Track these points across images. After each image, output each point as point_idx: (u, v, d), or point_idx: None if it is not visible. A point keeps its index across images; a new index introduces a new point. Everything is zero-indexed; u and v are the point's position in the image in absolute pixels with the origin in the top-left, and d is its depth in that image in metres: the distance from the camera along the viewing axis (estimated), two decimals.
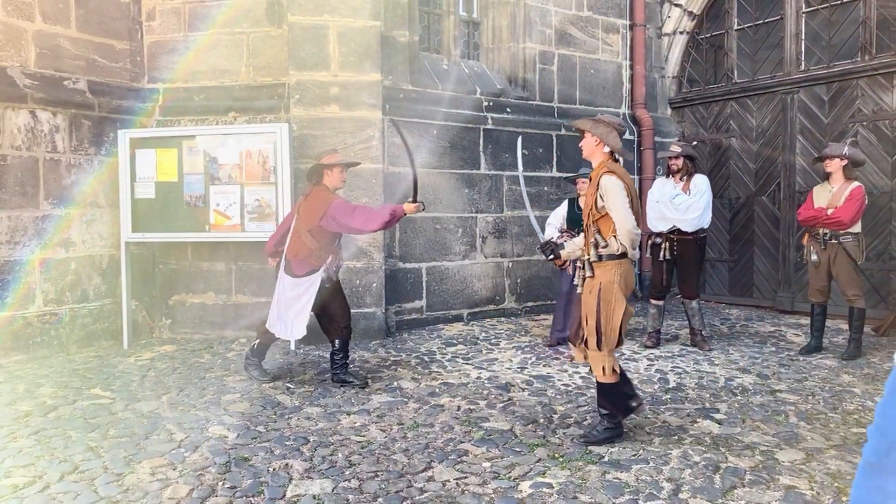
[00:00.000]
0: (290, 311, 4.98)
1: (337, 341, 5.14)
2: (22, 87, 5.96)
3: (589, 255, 3.84)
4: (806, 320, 6.92)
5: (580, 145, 4.04)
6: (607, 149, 3.88)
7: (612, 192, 3.72)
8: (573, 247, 4.10)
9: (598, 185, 3.79)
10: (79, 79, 6.43)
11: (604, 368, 3.80)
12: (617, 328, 3.76)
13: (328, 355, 5.28)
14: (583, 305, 3.88)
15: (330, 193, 4.96)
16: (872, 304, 6.88)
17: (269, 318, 5.13)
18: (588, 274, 3.84)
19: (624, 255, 3.78)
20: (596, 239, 3.81)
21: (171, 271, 6.96)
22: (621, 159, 4.01)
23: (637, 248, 3.88)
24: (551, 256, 4.15)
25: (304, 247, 4.94)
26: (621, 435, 3.96)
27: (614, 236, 3.74)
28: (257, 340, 5.27)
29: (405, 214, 4.76)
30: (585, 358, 3.96)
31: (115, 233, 6.61)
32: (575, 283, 4.04)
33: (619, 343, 3.82)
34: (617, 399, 3.92)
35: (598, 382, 3.93)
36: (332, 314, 5.12)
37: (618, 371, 3.88)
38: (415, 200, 4.76)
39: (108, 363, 5.85)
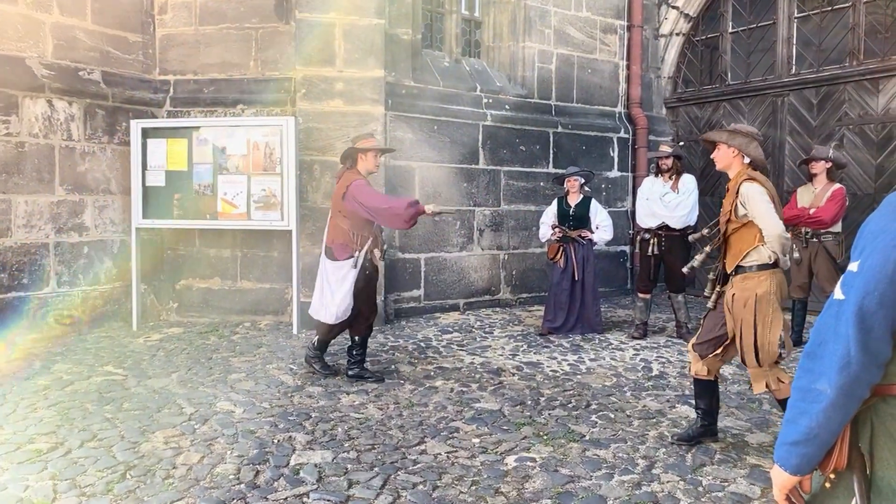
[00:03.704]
0: (336, 295, 4.85)
1: (357, 337, 5.11)
2: (40, 77, 6.21)
3: (729, 268, 3.67)
4: (788, 315, 7.19)
5: (713, 157, 3.82)
6: (747, 159, 3.69)
7: (756, 199, 3.54)
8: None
9: (737, 192, 3.61)
10: (93, 70, 6.68)
11: (768, 384, 3.61)
12: (776, 342, 3.55)
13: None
14: (734, 320, 3.62)
15: (356, 174, 4.88)
16: None
17: (312, 305, 5.05)
18: (722, 288, 3.66)
19: (776, 263, 3.58)
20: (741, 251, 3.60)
21: (179, 257, 7.23)
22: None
23: (787, 255, 3.62)
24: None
25: (340, 230, 4.88)
26: None
27: (761, 245, 3.55)
28: (317, 336, 5.20)
29: (423, 213, 4.73)
30: (711, 373, 3.85)
31: (126, 219, 6.88)
32: (709, 303, 3.80)
33: (780, 357, 3.62)
34: None
35: (777, 400, 3.74)
36: (359, 308, 5.00)
37: (785, 381, 3.61)
38: (437, 213, 4.91)
39: (119, 343, 6.13)
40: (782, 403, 3.73)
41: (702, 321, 3.89)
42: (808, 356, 1.51)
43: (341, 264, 4.86)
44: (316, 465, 3.54)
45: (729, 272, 3.69)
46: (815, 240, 6.17)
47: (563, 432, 4.08)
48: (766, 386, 3.63)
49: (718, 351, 3.78)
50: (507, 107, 8.33)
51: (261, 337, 6.42)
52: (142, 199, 6.73)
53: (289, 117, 6.65)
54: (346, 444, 3.83)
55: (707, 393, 3.93)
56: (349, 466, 3.54)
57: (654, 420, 4.34)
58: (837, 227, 6.17)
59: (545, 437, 4.00)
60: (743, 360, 3.67)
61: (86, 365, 5.37)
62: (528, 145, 8.47)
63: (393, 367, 5.48)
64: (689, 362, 3.96)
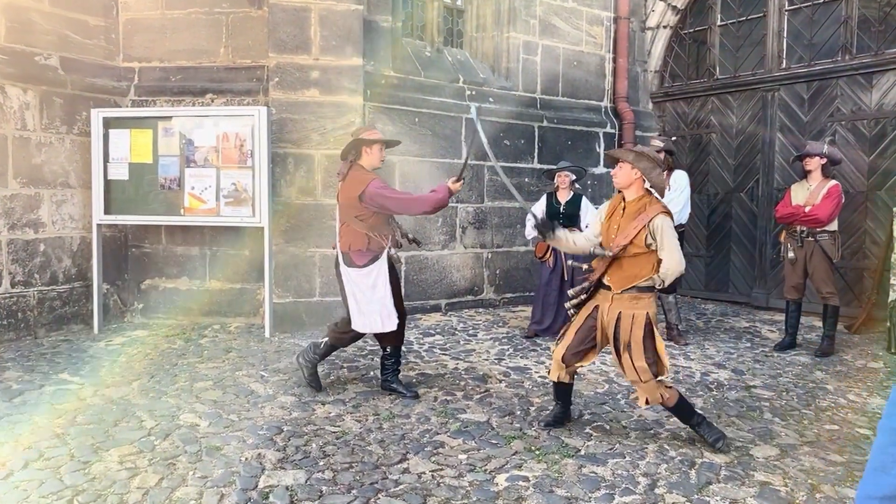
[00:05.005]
0: (372, 303, 4.42)
1: (388, 347, 4.69)
2: None
3: (616, 288, 3.73)
4: (781, 317, 6.98)
5: (613, 173, 3.85)
6: (648, 184, 3.75)
7: (668, 235, 3.64)
8: (567, 239, 4.00)
9: (650, 222, 3.64)
10: (51, 55, 6.24)
11: (662, 396, 3.72)
12: (665, 355, 3.73)
13: (304, 344, 5.18)
14: (621, 337, 3.71)
15: (366, 173, 4.45)
16: (846, 302, 6.95)
17: (352, 319, 4.49)
18: (594, 301, 3.80)
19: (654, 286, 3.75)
20: (648, 275, 3.71)
21: (144, 255, 6.82)
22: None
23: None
24: (539, 237, 4.16)
25: (357, 234, 4.42)
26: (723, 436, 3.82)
27: (655, 273, 3.68)
28: (325, 339, 4.72)
29: (451, 194, 4.34)
30: (570, 377, 4.03)
31: (86, 214, 6.45)
32: (568, 306, 3.95)
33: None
34: (685, 406, 3.84)
35: (667, 408, 3.84)
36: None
37: (672, 387, 3.81)
38: (459, 179, 4.34)
39: (78, 347, 5.73)
40: (673, 411, 3.83)
41: (565, 330, 3.97)
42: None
43: (367, 270, 4.41)
44: (287, 488, 3.20)
45: (616, 291, 3.75)
46: (810, 239, 5.94)
47: (557, 446, 3.78)
48: (661, 398, 3.72)
49: (583, 361, 3.96)
50: (490, 99, 8.01)
51: (231, 340, 6.04)
52: (103, 194, 6.31)
53: (261, 107, 6.26)
54: (321, 463, 3.49)
55: (566, 395, 4.15)
56: (324, 489, 3.20)
57: (652, 431, 4.06)
58: (833, 226, 5.94)
59: (538, 453, 3.69)
60: (631, 377, 3.74)
61: (39, 372, 4.96)
62: (512, 140, 8.16)
63: (372, 373, 5.14)
64: (551, 369, 4.05)
